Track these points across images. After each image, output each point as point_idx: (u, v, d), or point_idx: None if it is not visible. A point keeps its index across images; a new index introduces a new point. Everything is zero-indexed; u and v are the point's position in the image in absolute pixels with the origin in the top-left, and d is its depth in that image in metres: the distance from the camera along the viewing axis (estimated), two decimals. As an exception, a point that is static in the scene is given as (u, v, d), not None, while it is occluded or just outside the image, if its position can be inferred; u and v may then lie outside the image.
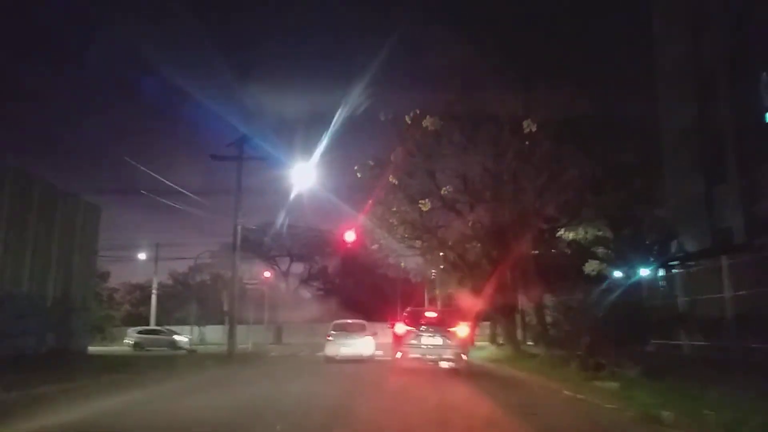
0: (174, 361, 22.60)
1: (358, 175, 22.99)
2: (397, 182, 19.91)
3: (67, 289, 26.39)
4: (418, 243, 27.44)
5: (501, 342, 30.20)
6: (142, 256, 58.18)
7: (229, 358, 24.46)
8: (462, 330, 17.62)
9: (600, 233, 30.21)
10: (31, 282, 23.34)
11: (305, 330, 54.42)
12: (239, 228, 28.16)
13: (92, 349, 31.44)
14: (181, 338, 43.64)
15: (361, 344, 22.93)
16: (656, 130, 24.53)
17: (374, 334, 24.34)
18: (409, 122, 18.49)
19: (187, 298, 59.91)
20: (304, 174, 26.63)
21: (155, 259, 59.53)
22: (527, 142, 18.59)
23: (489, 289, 22.57)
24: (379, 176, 23.33)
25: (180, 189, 34.32)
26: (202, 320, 57.44)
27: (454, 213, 22.12)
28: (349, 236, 30.36)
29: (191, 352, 38.31)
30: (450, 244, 25.17)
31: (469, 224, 21.62)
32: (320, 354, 24.30)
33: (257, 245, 56.00)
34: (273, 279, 54.13)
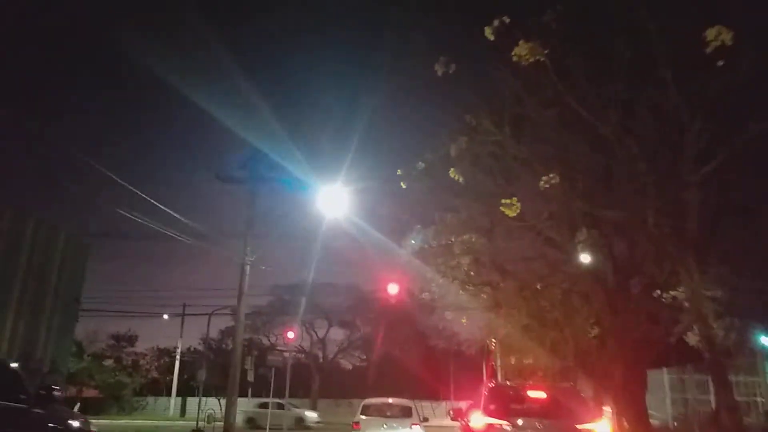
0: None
1: (402, 185, 16.18)
2: (462, 179, 13.07)
3: (31, 347, 20.18)
4: (485, 292, 20.07)
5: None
6: (165, 316, 52.47)
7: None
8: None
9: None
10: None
11: (342, 406, 46.77)
12: (248, 269, 21.44)
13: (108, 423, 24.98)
14: (311, 414, 37.56)
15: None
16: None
17: (423, 422, 16.93)
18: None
19: (217, 366, 53.26)
20: (334, 201, 20.16)
21: (181, 322, 53.90)
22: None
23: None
24: (433, 189, 16.58)
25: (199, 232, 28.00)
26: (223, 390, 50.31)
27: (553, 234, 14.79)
28: (393, 289, 24.16)
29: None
30: (539, 287, 17.72)
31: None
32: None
33: (292, 306, 49.29)
34: (299, 341, 47.10)
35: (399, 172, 16.15)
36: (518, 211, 11.72)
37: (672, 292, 17.50)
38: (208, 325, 49.05)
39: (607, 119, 10.48)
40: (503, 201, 11.79)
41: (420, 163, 16.00)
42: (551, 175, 11.27)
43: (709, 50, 8.58)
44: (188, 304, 51.85)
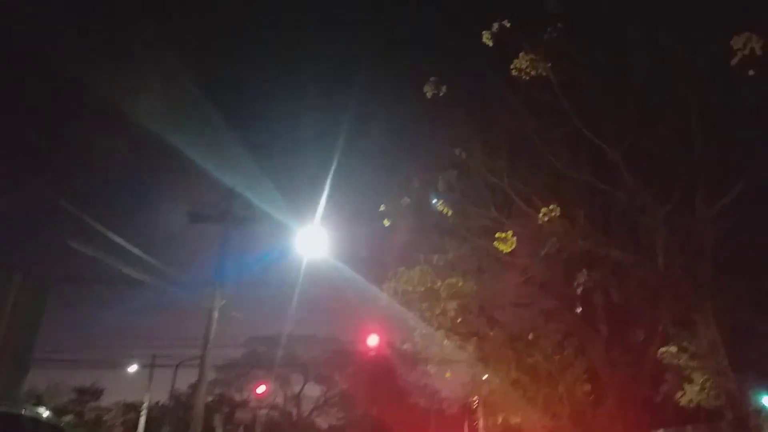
0: None
1: (386, 223, 14.98)
2: (451, 212, 11.86)
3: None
4: (471, 343, 18.53)
5: None
6: (132, 368, 49.56)
7: None
8: None
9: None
10: None
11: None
12: (216, 315, 19.75)
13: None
14: None
15: None
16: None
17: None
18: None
19: (184, 423, 50.08)
20: (313, 243, 18.82)
21: (149, 374, 51.04)
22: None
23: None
24: (419, 228, 15.38)
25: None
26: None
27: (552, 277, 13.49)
28: (373, 340, 22.65)
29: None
30: (530, 338, 16.28)
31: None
32: None
33: (267, 359, 46.95)
34: (273, 397, 44.64)
35: (382, 207, 14.99)
36: (513, 246, 10.49)
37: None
38: (174, 377, 46.26)
39: (616, 143, 9.41)
40: (497, 235, 10.56)
41: (405, 198, 14.88)
42: (551, 207, 10.12)
43: (735, 61, 7.61)
44: (159, 354, 49.10)
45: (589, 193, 11.38)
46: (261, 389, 39.62)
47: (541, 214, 10.11)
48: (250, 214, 21.14)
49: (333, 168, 18.24)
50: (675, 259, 10.10)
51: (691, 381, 21.01)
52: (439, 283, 15.52)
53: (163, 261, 19.77)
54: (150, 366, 49.17)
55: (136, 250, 18.85)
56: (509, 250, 10.56)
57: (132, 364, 48.48)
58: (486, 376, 22.50)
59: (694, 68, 8.38)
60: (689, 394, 20.17)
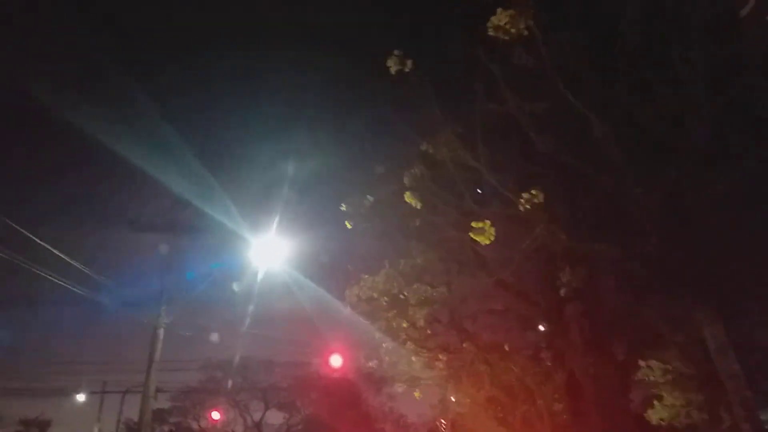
0: None
1: (348, 224, 13.63)
2: (420, 205, 10.59)
3: None
4: (442, 359, 17.12)
5: None
6: (81, 397, 46.43)
7: None
8: None
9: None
10: None
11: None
12: (161, 333, 17.99)
13: None
14: None
15: None
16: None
17: None
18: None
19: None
20: (269, 253, 17.32)
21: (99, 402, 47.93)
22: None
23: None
24: (384, 232, 14.08)
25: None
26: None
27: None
28: (336, 361, 21.42)
29: None
30: (506, 349, 14.97)
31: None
32: None
33: (225, 384, 44.58)
34: (232, 426, 42.35)
35: (344, 207, 13.65)
36: (492, 237, 9.24)
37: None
38: (122, 404, 43.26)
39: (604, 116, 8.28)
40: (474, 224, 9.29)
41: (368, 197, 13.58)
42: (533, 192, 8.93)
43: (745, 11, 6.58)
44: (109, 380, 46.03)
45: (571, 180, 10.23)
46: (216, 415, 37.34)
47: (523, 200, 8.90)
48: (199, 224, 19.68)
49: (289, 172, 16.93)
50: (672, 250, 8.96)
51: (660, 398, 19.89)
52: (406, 291, 14.22)
53: (108, 276, 17.90)
54: (100, 393, 46.09)
55: (79, 265, 17.04)
56: (488, 242, 9.29)
57: (80, 392, 45.36)
58: (457, 395, 21.15)
59: (698, 18, 7.32)
60: (659, 412, 19.15)
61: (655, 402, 19.69)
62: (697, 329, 9.41)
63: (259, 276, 18.17)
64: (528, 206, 9.04)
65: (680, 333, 10.83)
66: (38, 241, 14.40)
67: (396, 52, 9.83)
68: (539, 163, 9.94)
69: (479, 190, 10.63)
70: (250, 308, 23.29)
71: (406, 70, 9.87)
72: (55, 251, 15.04)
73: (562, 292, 11.20)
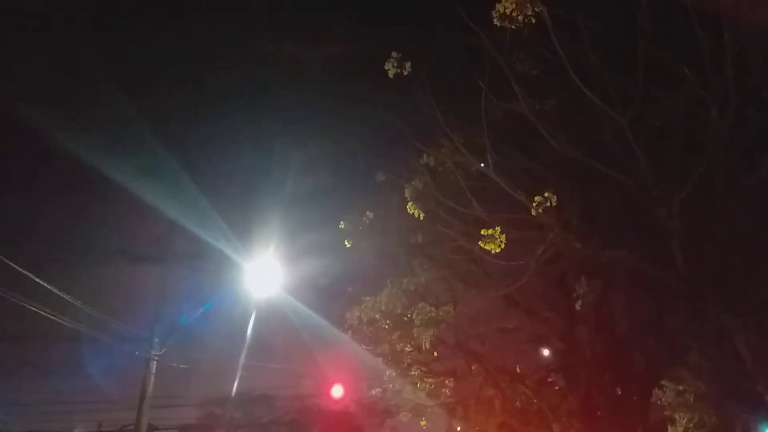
0: None
1: (347, 243, 12.97)
2: (422, 216, 9.95)
3: None
4: (449, 385, 16.25)
5: None
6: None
7: None
8: None
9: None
10: None
11: None
12: (154, 366, 17.08)
13: None
14: None
15: None
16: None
17: None
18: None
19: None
20: (266, 279, 16.60)
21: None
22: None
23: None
24: (381, 251, 13.43)
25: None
26: None
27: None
28: (337, 392, 20.46)
29: None
30: (518, 370, 14.14)
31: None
32: None
33: (225, 422, 43.19)
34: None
35: (342, 225, 13.00)
36: (503, 245, 8.56)
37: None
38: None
39: (622, 109, 7.66)
40: (483, 232, 8.62)
41: (368, 213, 12.94)
42: (546, 195, 8.29)
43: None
44: (105, 419, 44.56)
45: (586, 182, 9.59)
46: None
47: (535, 204, 8.25)
48: (194, 251, 18.94)
49: (287, 190, 16.31)
50: (698, 252, 8.29)
51: (673, 421, 18.89)
52: (409, 312, 13.48)
53: (101, 309, 17.04)
54: (97, 433, 44.58)
55: (69, 298, 16.21)
56: (498, 249, 8.62)
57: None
58: (466, 423, 20.14)
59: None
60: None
61: (669, 426, 18.72)
62: (729, 339, 8.69)
63: (259, 304, 17.47)
64: (540, 210, 8.39)
65: (711, 345, 10.01)
66: (28, 273, 13.67)
67: (394, 54, 9.31)
68: (551, 165, 9.33)
69: (487, 196, 9.96)
70: (248, 339, 22.45)
71: (405, 72, 9.34)
72: (47, 285, 14.27)
73: (578, 305, 10.46)
